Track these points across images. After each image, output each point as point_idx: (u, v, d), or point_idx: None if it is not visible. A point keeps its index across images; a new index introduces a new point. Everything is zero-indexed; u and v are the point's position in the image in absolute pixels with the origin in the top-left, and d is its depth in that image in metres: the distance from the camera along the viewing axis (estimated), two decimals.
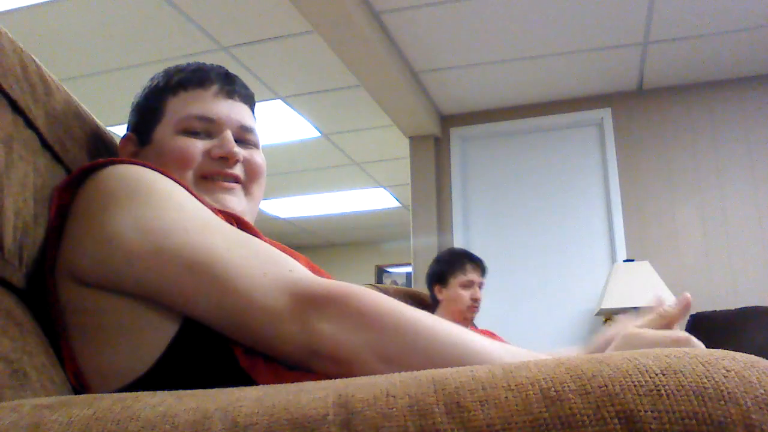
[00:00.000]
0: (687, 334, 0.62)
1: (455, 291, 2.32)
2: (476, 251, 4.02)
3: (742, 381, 0.36)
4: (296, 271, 0.67)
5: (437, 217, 4.00)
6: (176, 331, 0.67)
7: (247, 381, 0.64)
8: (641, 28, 3.15)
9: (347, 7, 2.69)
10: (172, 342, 0.66)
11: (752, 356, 0.39)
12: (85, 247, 0.70)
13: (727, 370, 0.37)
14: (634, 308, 3.27)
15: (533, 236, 3.87)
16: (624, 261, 3.45)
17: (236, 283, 0.64)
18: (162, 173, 0.76)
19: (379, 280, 7.89)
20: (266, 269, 0.65)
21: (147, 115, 0.90)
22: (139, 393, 0.50)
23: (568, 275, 3.75)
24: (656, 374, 0.37)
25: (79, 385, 0.67)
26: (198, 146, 0.86)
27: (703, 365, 0.37)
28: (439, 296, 2.36)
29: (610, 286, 3.27)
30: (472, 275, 2.35)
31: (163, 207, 0.70)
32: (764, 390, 0.36)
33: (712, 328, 3.14)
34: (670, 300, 0.69)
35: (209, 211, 0.74)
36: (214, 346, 0.66)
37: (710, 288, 3.47)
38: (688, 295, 0.77)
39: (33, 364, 0.63)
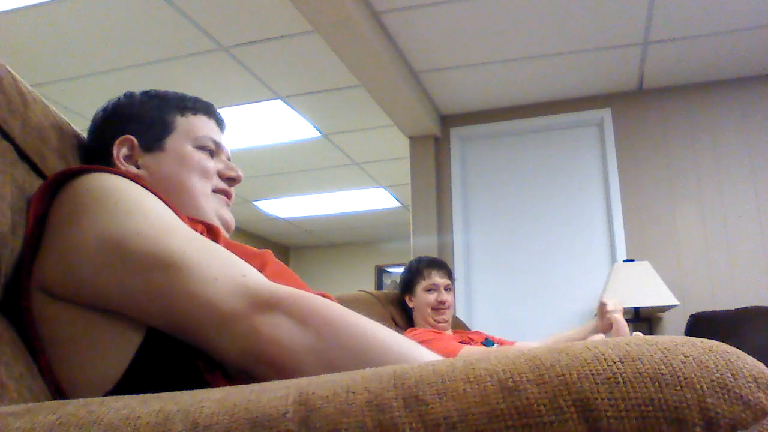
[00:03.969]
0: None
1: (421, 296, 2.41)
2: (476, 251, 4.04)
3: (699, 366, 0.36)
4: (249, 276, 0.67)
5: (437, 217, 4.00)
6: (139, 344, 0.67)
7: None
8: (641, 28, 3.14)
9: (347, 8, 2.69)
10: (135, 355, 0.67)
11: (713, 341, 0.39)
12: (53, 258, 0.71)
13: (685, 356, 0.37)
14: (634, 309, 3.26)
15: (533, 236, 3.87)
16: (624, 261, 3.44)
17: (187, 288, 0.65)
18: (132, 180, 0.77)
19: (379, 279, 7.89)
20: (218, 274, 0.66)
21: (156, 125, 0.97)
22: (106, 398, 0.50)
23: (568, 275, 3.74)
24: (614, 362, 0.37)
25: (59, 395, 0.67)
26: (212, 165, 0.99)
27: (662, 352, 0.37)
28: (411, 304, 2.46)
29: (610, 286, 3.26)
30: (434, 279, 2.42)
31: (127, 214, 0.71)
32: (720, 374, 0.36)
33: (712, 328, 3.13)
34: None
35: (175, 218, 0.75)
36: (176, 358, 0.66)
37: (710, 288, 3.46)
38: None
39: (11, 374, 0.63)
